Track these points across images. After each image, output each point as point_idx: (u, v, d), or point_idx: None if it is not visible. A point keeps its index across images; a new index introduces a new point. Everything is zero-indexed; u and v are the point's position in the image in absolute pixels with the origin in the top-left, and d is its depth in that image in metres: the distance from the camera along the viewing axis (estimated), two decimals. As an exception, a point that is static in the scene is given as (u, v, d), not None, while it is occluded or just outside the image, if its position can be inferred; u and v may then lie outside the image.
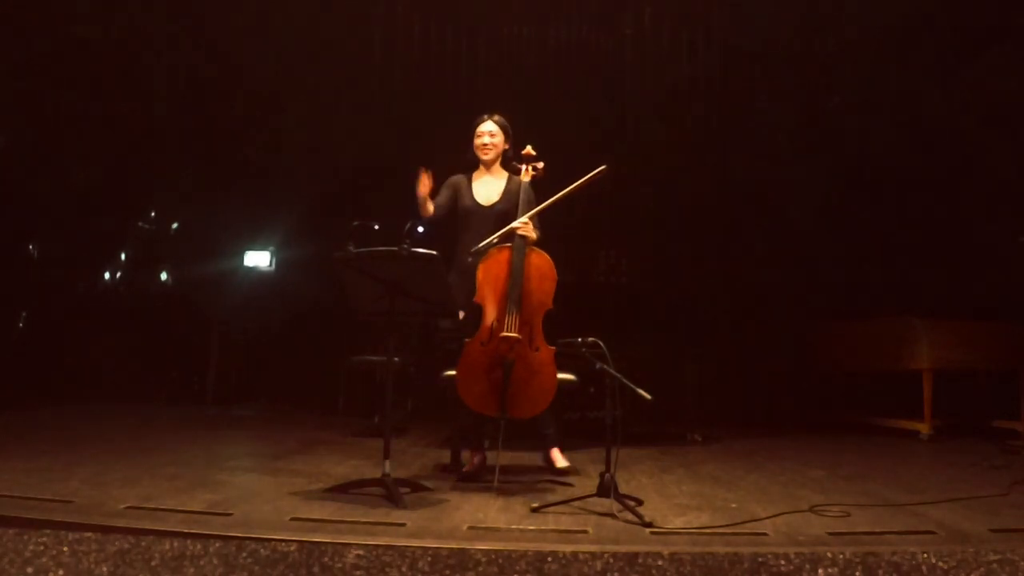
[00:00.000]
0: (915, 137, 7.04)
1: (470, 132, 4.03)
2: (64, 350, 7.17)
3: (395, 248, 3.25)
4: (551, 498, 3.22)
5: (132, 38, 7.05)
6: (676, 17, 7.55)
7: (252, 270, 8.01)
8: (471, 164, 4.08)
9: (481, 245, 3.75)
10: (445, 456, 4.39)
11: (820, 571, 2.34)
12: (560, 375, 3.70)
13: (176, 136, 7.62)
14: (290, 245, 7.93)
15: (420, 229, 3.98)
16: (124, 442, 4.85)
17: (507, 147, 4.02)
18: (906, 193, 7.18)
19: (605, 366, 3.22)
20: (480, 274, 3.69)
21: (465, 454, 4.04)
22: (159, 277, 8.18)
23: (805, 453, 5.08)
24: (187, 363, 7.90)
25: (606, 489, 3.12)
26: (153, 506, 2.93)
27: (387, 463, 3.25)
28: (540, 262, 3.71)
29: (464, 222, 3.96)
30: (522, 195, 3.85)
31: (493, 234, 3.77)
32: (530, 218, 3.75)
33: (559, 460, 3.88)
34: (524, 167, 3.94)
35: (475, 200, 3.96)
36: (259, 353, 7.85)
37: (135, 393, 7.36)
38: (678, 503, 3.33)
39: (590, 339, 3.34)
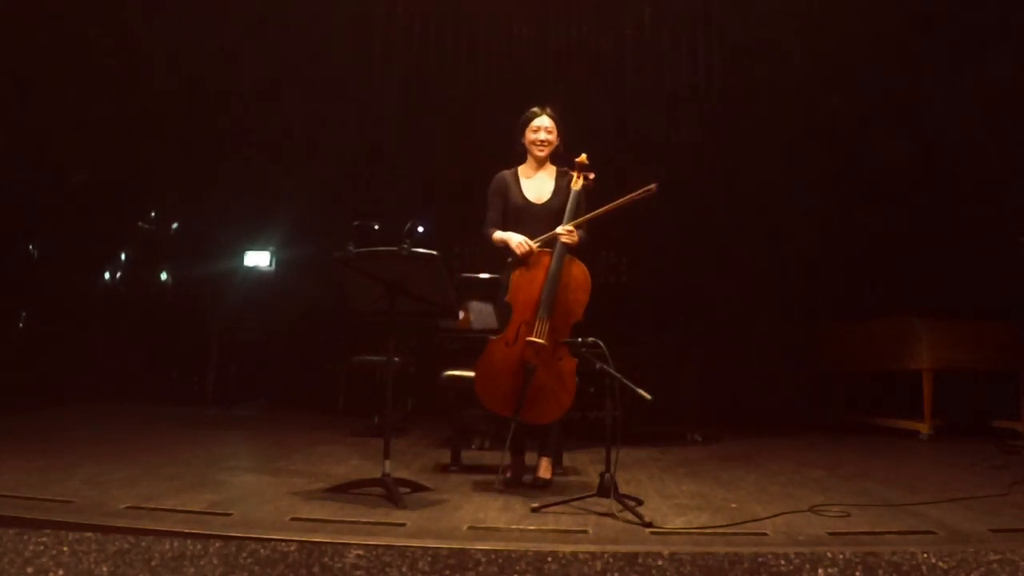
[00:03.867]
0: (915, 137, 7.05)
1: (519, 125, 3.83)
2: (64, 350, 7.16)
3: (395, 248, 3.24)
4: (551, 498, 3.22)
5: (132, 37, 7.05)
6: (676, 17, 7.56)
7: (252, 270, 8.01)
8: (517, 158, 3.89)
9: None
10: (445, 456, 4.39)
11: (820, 571, 2.34)
12: None
13: (176, 136, 7.62)
14: (290, 245, 7.92)
15: (420, 229, 3.94)
16: (124, 442, 4.84)
17: (558, 143, 3.87)
18: (906, 193, 7.18)
19: (605, 366, 3.22)
20: (516, 275, 3.62)
21: (505, 461, 3.75)
22: (159, 277, 8.18)
23: (805, 453, 5.08)
24: (187, 363, 7.89)
25: (606, 489, 3.12)
26: (153, 506, 2.93)
27: (387, 463, 3.25)
28: (578, 273, 3.64)
29: (514, 220, 3.78)
30: (571, 202, 3.71)
31: (544, 232, 3.67)
32: (575, 226, 3.64)
33: (544, 470, 3.76)
34: (576, 175, 3.78)
35: (525, 197, 3.80)
36: (259, 353, 7.84)
37: (135, 393, 7.36)
38: (678, 503, 3.33)
39: (590, 339, 3.34)
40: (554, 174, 3.87)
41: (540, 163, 3.86)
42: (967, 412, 6.20)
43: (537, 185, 3.85)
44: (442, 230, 7.16)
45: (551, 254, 3.61)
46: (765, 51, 7.31)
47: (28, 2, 6.40)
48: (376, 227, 3.54)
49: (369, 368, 6.03)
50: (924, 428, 5.73)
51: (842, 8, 6.98)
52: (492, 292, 4.93)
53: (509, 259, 3.73)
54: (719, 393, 6.77)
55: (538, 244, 3.65)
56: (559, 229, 3.64)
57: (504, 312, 3.72)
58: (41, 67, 6.69)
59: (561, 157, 3.88)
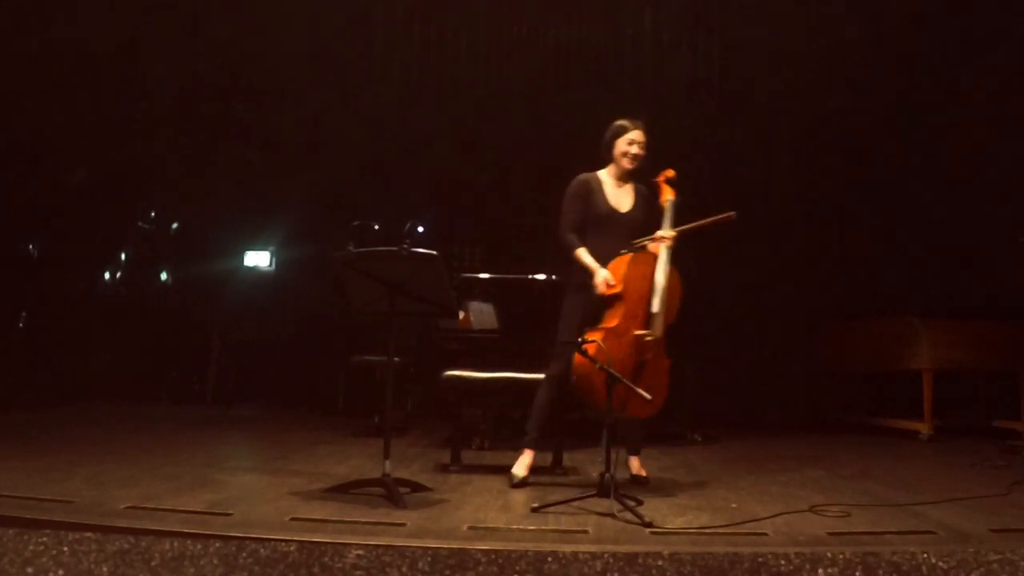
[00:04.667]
0: (915, 137, 7.05)
1: (609, 136, 3.87)
2: (64, 350, 7.16)
3: (395, 248, 3.24)
4: (551, 498, 3.22)
5: (132, 37, 7.05)
6: (676, 17, 7.56)
7: (252, 270, 8.01)
8: (597, 164, 3.94)
9: (637, 242, 3.76)
10: (445, 456, 4.39)
11: (820, 571, 2.34)
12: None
13: (176, 136, 7.62)
14: (290, 245, 7.93)
15: (420, 229, 3.94)
16: (124, 442, 4.84)
17: None
18: (906, 193, 7.18)
19: (605, 366, 3.22)
20: (627, 269, 3.63)
21: (524, 459, 3.78)
22: (159, 277, 8.18)
23: (805, 453, 5.08)
24: (187, 363, 7.89)
25: (606, 489, 3.12)
26: (153, 506, 2.93)
27: (387, 463, 3.25)
28: (676, 277, 3.76)
29: (596, 225, 3.83)
30: (669, 211, 3.81)
31: (626, 239, 3.77)
32: (678, 232, 3.75)
33: (639, 467, 3.85)
34: (665, 188, 3.88)
35: (610, 205, 3.85)
36: (259, 353, 7.84)
37: (135, 393, 7.36)
38: (678, 503, 3.33)
39: (591, 339, 3.34)
40: (632, 186, 3.93)
41: (624, 175, 3.90)
42: (967, 412, 6.19)
43: (620, 194, 3.90)
44: (442, 230, 7.17)
45: (654, 255, 3.70)
46: (765, 50, 7.30)
47: (28, 2, 6.40)
48: (376, 227, 3.53)
49: (369, 368, 6.03)
50: (924, 428, 5.73)
51: (842, 8, 6.98)
52: (492, 292, 4.94)
53: (623, 251, 3.73)
54: (719, 393, 6.77)
55: (647, 241, 3.75)
56: (663, 233, 3.73)
57: (593, 305, 3.70)
58: (41, 67, 6.69)
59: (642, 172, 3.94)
